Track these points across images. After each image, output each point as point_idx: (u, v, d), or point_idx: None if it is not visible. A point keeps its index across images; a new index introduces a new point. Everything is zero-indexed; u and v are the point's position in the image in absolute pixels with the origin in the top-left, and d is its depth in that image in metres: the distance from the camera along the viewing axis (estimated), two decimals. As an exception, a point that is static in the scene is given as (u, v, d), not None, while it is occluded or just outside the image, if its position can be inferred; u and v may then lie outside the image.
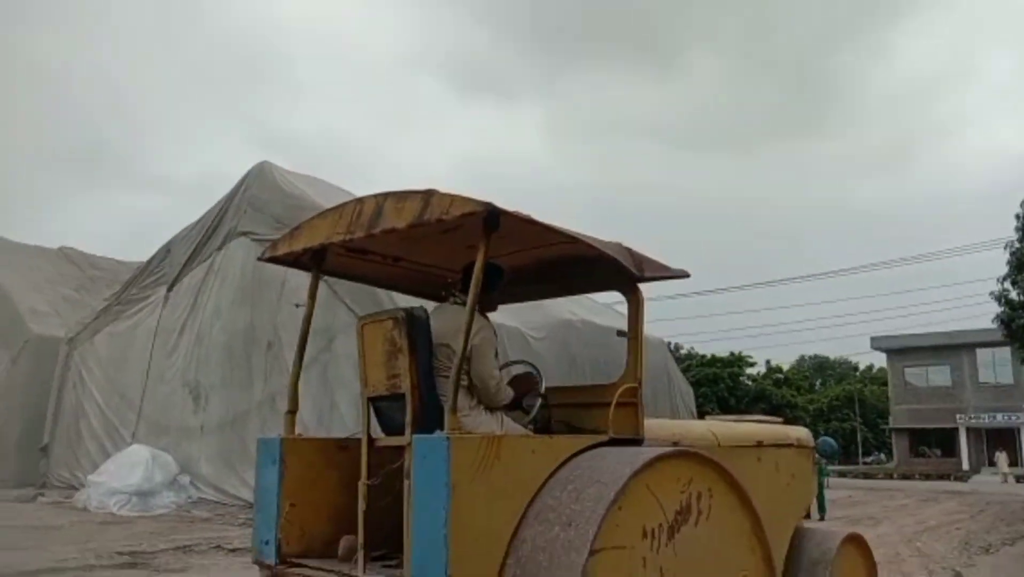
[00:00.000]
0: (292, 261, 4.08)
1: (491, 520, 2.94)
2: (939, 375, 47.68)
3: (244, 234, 18.28)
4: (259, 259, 4.23)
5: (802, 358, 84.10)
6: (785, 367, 65.44)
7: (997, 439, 44.79)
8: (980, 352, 45.09)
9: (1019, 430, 44.29)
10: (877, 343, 50.46)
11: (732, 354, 49.35)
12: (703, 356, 49.91)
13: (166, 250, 19.93)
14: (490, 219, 3.11)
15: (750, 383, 52.06)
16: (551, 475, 3.17)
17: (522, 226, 3.35)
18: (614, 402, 3.74)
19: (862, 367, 79.58)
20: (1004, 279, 21.83)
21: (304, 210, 17.83)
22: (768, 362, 55.31)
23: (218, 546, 10.60)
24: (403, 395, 3.35)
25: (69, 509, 15.75)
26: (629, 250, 3.93)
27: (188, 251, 19.23)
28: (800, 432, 5.37)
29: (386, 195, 3.36)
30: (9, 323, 22.48)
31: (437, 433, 2.99)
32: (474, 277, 3.18)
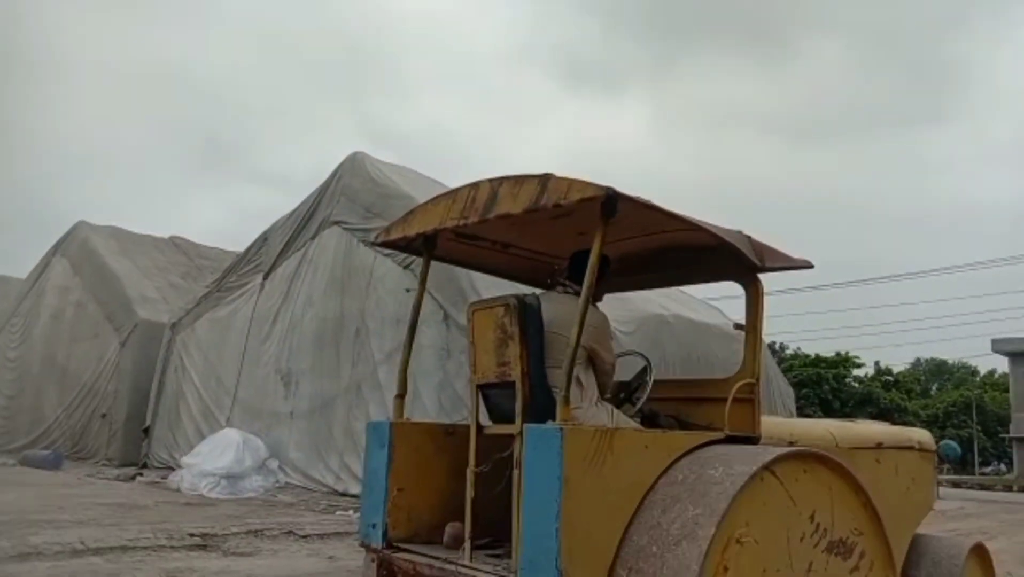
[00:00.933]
0: (404, 245, 4.07)
1: (602, 515, 2.87)
2: (1067, 381, 44.51)
3: (336, 223, 18.54)
4: (372, 243, 4.26)
5: (917, 361, 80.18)
6: (898, 369, 62.45)
7: None
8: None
9: None
10: (999, 345, 47.41)
11: (838, 354, 47.16)
12: (807, 356, 47.98)
13: (263, 239, 20.42)
14: (608, 204, 3.03)
15: (856, 385, 49.71)
16: (664, 472, 3.09)
17: (640, 212, 3.25)
18: (730, 398, 3.64)
19: (983, 371, 75.21)
20: None
21: (393, 199, 17.98)
22: (877, 363, 52.63)
23: (290, 532, 10.67)
24: (513, 383, 3.31)
25: (163, 489, 16.33)
26: (749, 238, 3.80)
27: (283, 240, 19.64)
28: (922, 435, 5.24)
29: (501, 179, 3.30)
30: (120, 308, 23.60)
31: (550, 423, 2.93)
32: (589, 265, 3.08)
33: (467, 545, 3.30)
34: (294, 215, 19.70)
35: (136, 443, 21.39)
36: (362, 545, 3.66)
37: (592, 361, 3.52)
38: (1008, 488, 39.52)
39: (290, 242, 19.46)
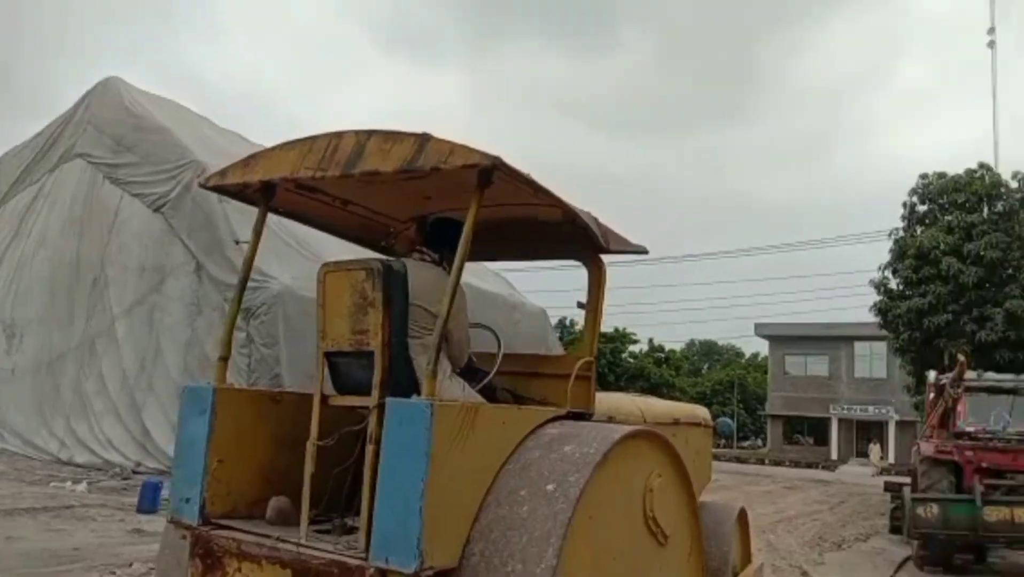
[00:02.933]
0: (236, 192, 3.61)
1: (461, 492, 2.82)
2: (817, 365, 48.70)
3: (80, 156, 16.31)
4: (201, 185, 3.71)
5: (692, 342, 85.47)
6: (676, 349, 66.19)
7: (867, 431, 46.22)
8: (858, 345, 46.18)
9: (887, 424, 45.78)
10: (761, 330, 51.21)
11: (616, 330, 49.02)
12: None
13: (-5, 167, 17.69)
14: (486, 173, 2.95)
15: (631, 360, 52.08)
16: (517, 446, 3.08)
17: (514, 185, 3.17)
18: (573, 375, 3.70)
19: (748, 354, 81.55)
20: (886, 267, 21.64)
21: (148, 132, 15.96)
22: (651, 340, 55.28)
23: (-35, 508, 8.96)
24: (370, 353, 3.11)
25: None
26: (597, 220, 3.81)
27: (18, 170, 17.08)
28: (704, 412, 5.64)
29: (368, 133, 3.11)
30: None
31: (416, 398, 2.82)
32: (464, 235, 2.99)
33: (304, 522, 3.02)
34: (33, 143, 17.18)
35: None
36: (172, 522, 3.26)
37: (446, 334, 3.28)
38: (761, 461, 42.89)
39: (25, 173, 16.96)
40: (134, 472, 12.88)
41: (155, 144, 15.63)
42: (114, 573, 6.70)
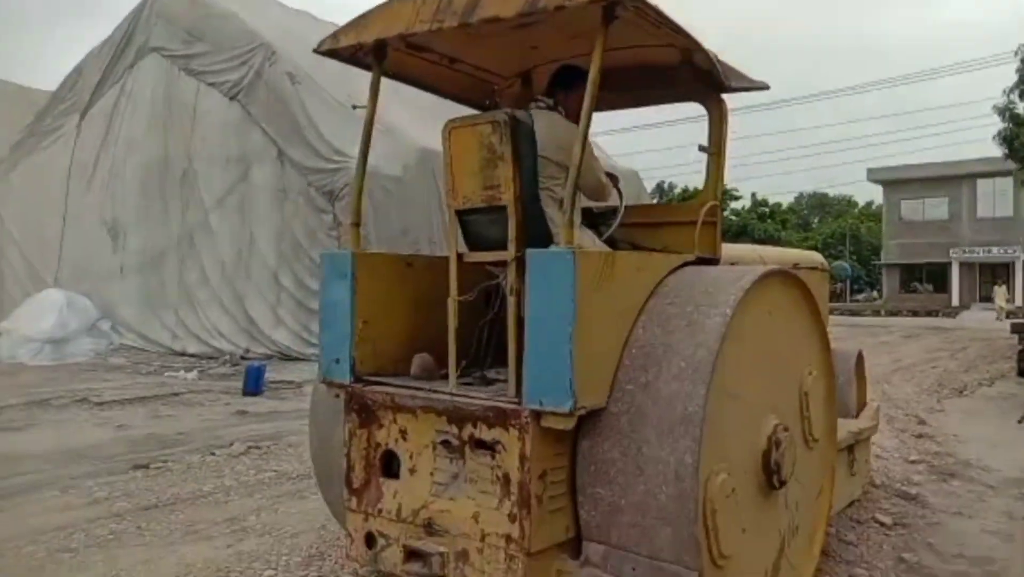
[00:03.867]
0: (350, 56, 3.60)
1: (604, 337, 2.87)
2: (936, 208, 45.90)
3: (155, 50, 16.21)
4: (315, 51, 3.67)
5: (800, 194, 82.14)
6: (783, 203, 63.62)
7: (991, 274, 43.77)
8: (980, 183, 43.14)
9: (1014, 264, 43.16)
10: (874, 175, 48.43)
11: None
12: (685, 189, 47.84)
13: (77, 73, 17.83)
14: (611, 9, 2.82)
15: (733, 217, 50.39)
16: (653, 291, 3.10)
17: (634, 24, 3.02)
18: (700, 220, 3.67)
19: (861, 203, 77.81)
20: (1011, 91, 19.55)
21: (217, 19, 15.65)
22: (754, 195, 53.07)
23: (84, 399, 9.36)
24: (502, 208, 3.09)
25: (-20, 358, 14.60)
26: (717, 58, 3.61)
27: (99, 73, 17.17)
28: (820, 257, 5.66)
29: None
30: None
31: (558, 247, 2.83)
32: (591, 79, 2.84)
33: (453, 373, 3.14)
34: (108, 43, 17.15)
35: (-36, 309, 19.24)
36: (324, 382, 3.43)
37: (578, 184, 3.16)
38: (877, 313, 41.40)
39: (106, 75, 16.99)
40: (242, 358, 13.28)
41: (224, 30, 15.34)
42: (214, 453, 6.83)
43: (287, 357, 13.33)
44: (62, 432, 7.81)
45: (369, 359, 3.37)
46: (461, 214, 3.26)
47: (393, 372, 3.40)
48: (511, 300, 3.02)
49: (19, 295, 17.25)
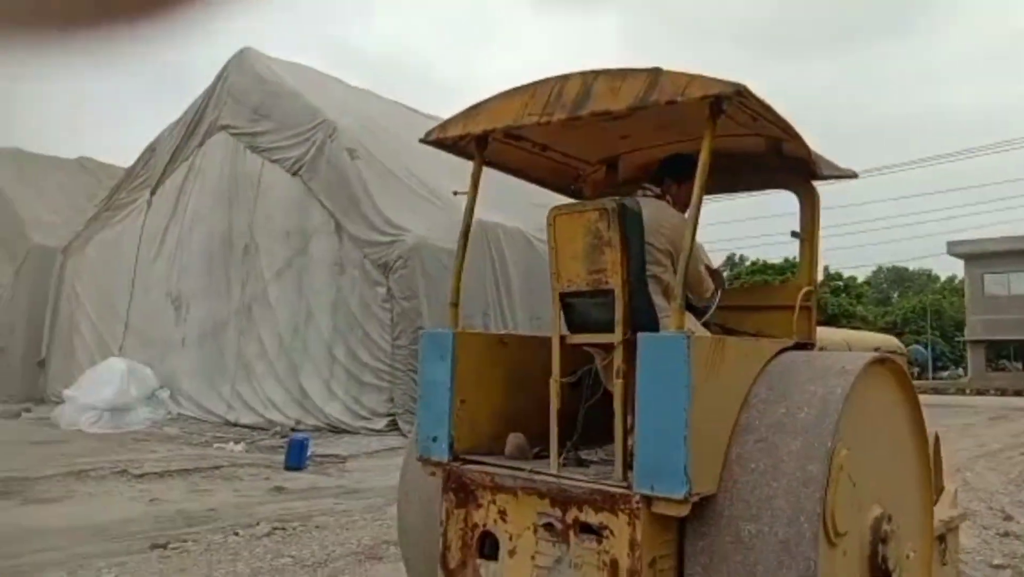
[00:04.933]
0: (452, 145, 3.73)
1: (715, 421, 2.89)
2: (1022, 282, 43.88)
3: (223, 128, 16.73)
4: (421, 140, 3.77)
5: (879, 268, 79.85)
6: (857, 277, 61.79)
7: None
8: (1071, 257, 41.19)
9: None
10: (954, 248, 46.64)
11: (786, 260, 46.03)
12: (754, 263, 46.76)
13: (151, 150, 18.52)
14: (719, 103, 2.93)
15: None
16: (757, 377, 3.12)
17: (744, 115, 3.14)
18: (798, 306, 3.72)
19: (943, 278, 75.09)
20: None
21: (282, 98, 16.10)
22: (827, 268, 51.57)
23: (123, 471, 9.27)
24: (608, 291, 3.18)
25: (45, 426, 14.83)
26: (808, 147, 3.68)
27: (170, 150, 17.79)
28: (896, 341, 5.57)
29: (595, 73, 3.16)
30: (14, 235, 21.55)
31: (671, 332, 2.89)
32: (701, 166, 2.95)
33: (555, 454, 3.15)
34: (181, 122, 17.79)
35: (36, 378, 19.74)
36: (420, 460, 3.45)
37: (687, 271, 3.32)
38: (961, 392, 39.32)
39: (177, 152, 17.59)
40: (293, 430, 13.15)
41: (288, 108, 15.76)
42: (238, 533, 6.57)
43: (336, 430, 13.15)
44: (93, 505, 7.68)
45: (465, 438, 3.42)
46: (564, 297, 3.32)
47: (487, 451, 3.43)
48: (618, 383, 3.06)
49: (87, 364, 17.57)
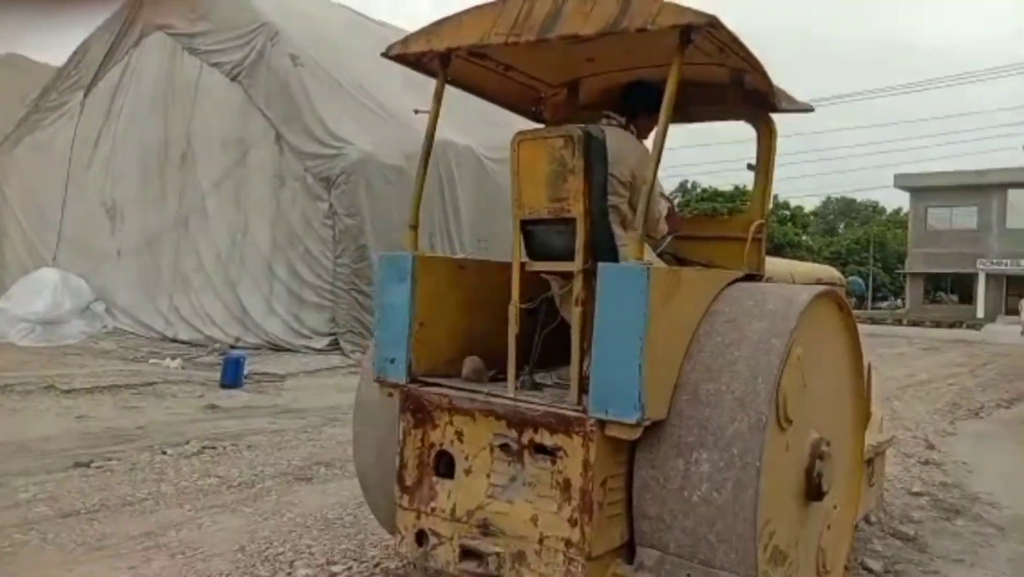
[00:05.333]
0: (414, 62, 3.65)
1: (668, 349, 2.97)
2: (964, 217, 44.70)
3: (160, 27, 15.87)
4: (382, 55, 3.63)
5: (828, 199, 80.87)
6: (804, 207, 62.47)
7: (1019, 287, 42.64)
8: (1012, 192, 42.02)
9: (1044, 278, 42.02)
10: (901, 181, 47.35)
11: (736, 187, 46.06)
12: (705, 190, 46.82)
13: (84, 49, 17.52)
14: (688, 33, 2.91)
15: (755, 221, 49.48)
16: (708, 308, 3.20)
17: (711, 46, 3.14)
18: (750, 238, 3.80)
19: (889, 210, 76.38)
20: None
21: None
22: (776, 197, 51.98)
23: (51, 386, 9.00)
24: (570, 220, 3.20)
25: (-28, 336, 14.34)
26: (769, 79, 3.71)
27: (104, 50, 16.87)
28: (836, 272, 5.66)
29: None
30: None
31: (631, 262, 2.94)
32: (667, 98, 2.93)
33: (512, 377, 3.22)
34: (115, 18, 16.82)
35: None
36: (377, 381, 3.47)
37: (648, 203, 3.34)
38: (899, 322, 40.46)
39: (111, 51, 16.67)
40: (232, 347, 12.91)
41: (228, 8, 15.00)
42: (166, 452, 6.42)
43: (277, 348, 12.95)
44: (15, 422, 7.45)
45: (423, 360, 3.45)
46: (525, 224, 3.34)
47: (444, 374, 3.47)
48: (576, 311, 3.11)
49: (18, 273, 16.98)
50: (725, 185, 48.39)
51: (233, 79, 14.39)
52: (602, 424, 2.83)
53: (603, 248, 3.22)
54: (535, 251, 3.38)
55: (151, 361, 12.10)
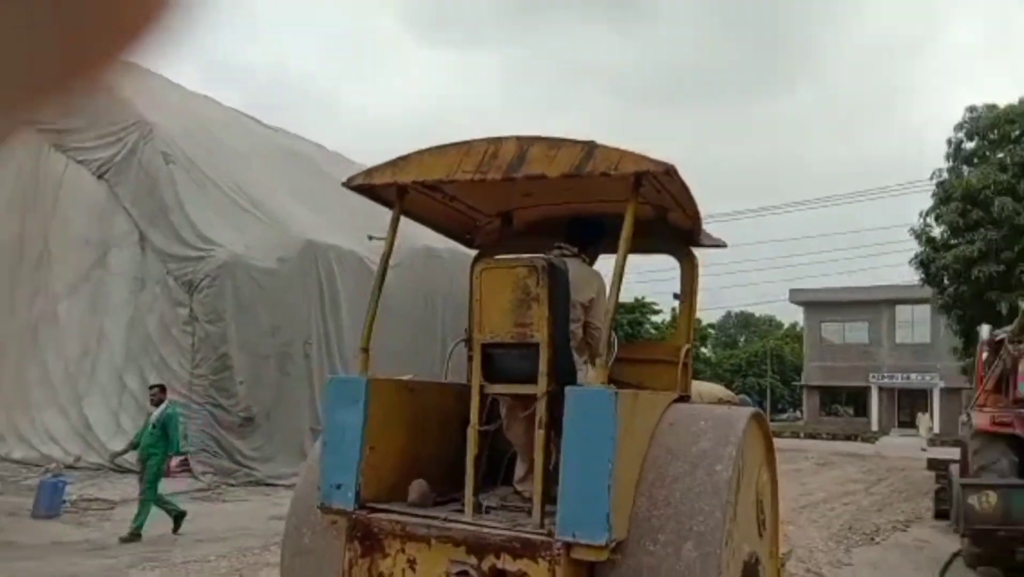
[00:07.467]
0: (371, 192, 3.79)
1: (628, 468, 3.02)
2: (856, 332, 46.16)
3: (27, 122, 14.87)
4: (344, 184, 3.74)
5: (728, 313, 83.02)
6: (702, 320, 63.78)
7: (910, 400, 43.84)
8: (899, 308, 43.66)
9: (932, 392, 43.32)
10: (795, 296, 48.88)
11: (636, 300, 46.63)
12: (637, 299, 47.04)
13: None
14: (642, 178, 3.21)
15: (653, 332, 49.95)
16: (654, 430, 3.29)
17: (655, 188, 3.41)
18: (681, 362, 4.01)
19: (787, 324, 78.86)
20: (927, 213, 19.36)
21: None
22: (673, 310, 53.12)
23: None
24: (532, 345, 3.29)
25: None
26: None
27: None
28: (728, 391, 6.13)
29: (531, 139, 3.34)
30: None
31: (598, 386, 3.06)
32: (624, 235, 3.21)
33: (470, 502, 3.23)
34: (-23, 112, 15.77)
35: None
36: (320, 508, 3.33)
37: (596, 326, 3.70)
38: (796, 435, 40.78)
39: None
40: (69, 467, 11.50)
41: (102, 104, 14.15)
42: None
43: (120, 469, 11.58)
44: None
45: (371, 485, 3.37)
46: (486, 348, 3.40)
47: (388, 499, 3.40)
48: (539, 433, 3.17)
49: None
50: (627, 298, 48.93)
51: (100, 177, 13.48)
52: (568, 547, 2.84)
53: (564, 371, 3.31)
54: (494, 374, 3.42)
55: (-31, 485, 10.59)
